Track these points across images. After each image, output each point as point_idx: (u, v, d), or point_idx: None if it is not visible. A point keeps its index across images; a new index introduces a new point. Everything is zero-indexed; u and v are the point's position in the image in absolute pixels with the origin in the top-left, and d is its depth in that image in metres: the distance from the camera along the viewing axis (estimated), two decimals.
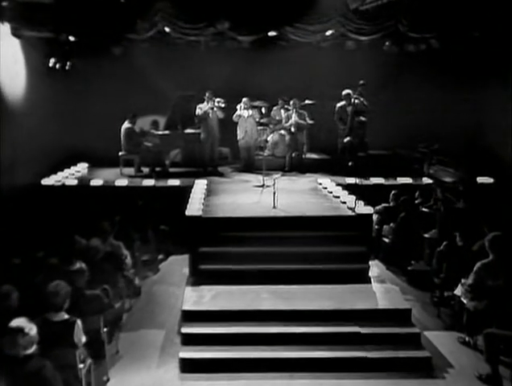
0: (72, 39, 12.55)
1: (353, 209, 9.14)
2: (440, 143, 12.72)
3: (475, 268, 7.15)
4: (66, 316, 5.72)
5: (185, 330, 7.13)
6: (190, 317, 7.30)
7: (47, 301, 5.63)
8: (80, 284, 6.48)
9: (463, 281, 7.42)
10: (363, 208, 9.02)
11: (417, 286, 9.11)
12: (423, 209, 9.85)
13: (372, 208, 9.16)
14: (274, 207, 9.39)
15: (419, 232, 9.60)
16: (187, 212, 8.94)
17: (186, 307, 7.44)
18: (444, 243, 8.32)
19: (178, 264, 10.15)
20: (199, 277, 8.32)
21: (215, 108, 12.65)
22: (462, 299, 7.35)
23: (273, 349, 6.86)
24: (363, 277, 8.31)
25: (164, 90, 13.83)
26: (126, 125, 12.83)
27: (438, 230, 9.36)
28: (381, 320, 7.21)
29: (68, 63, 13.65)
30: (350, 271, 8.32)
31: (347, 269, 8.32)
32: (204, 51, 13.89)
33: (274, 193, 9.43)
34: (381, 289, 8.04)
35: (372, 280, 8.32)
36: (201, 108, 12.76)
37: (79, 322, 5.75)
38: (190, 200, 9.79)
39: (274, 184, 9.53)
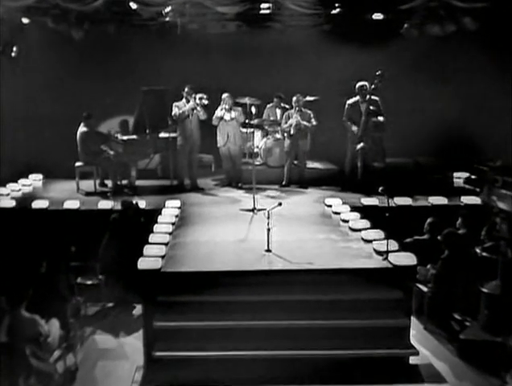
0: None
1: (384, 255, 5.82)
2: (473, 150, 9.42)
3: None
4: None
5: None
6: None
7: None
8: None
9: None
10: (401, 257, 5.67)
11: (475, 364, 5.77)
12: (483, 253, 6.48)
13: (414, 256, 5.80)
14: (268, 250, 6.12)
15: (471, 281, 6.30)
16: (141, 263, 5.66)
17: None
18: None
19: (138, 322, 6.75)
20: (153, 370, 5.10)
21: (197, 108, 9.29)
22: None
23: None
24: (405, 370, 5.02)
25: (134, 84, 10.42)
26: (82, 128, 9.44)
27: (501, 283, 6.05)
28: None
29: (14, 49, 10.30)
30: (385, 360, 5.04)
31: (380, 357, 5.03)
32: (181, 37, 10.52)
33: (269, 230, 6.12)
34: None
35: (421, 373, 5.01)
36: (179, 107, 9.41)
37: None
38: (150, 237, 6.54)
39: (268, 217, 6.18)
